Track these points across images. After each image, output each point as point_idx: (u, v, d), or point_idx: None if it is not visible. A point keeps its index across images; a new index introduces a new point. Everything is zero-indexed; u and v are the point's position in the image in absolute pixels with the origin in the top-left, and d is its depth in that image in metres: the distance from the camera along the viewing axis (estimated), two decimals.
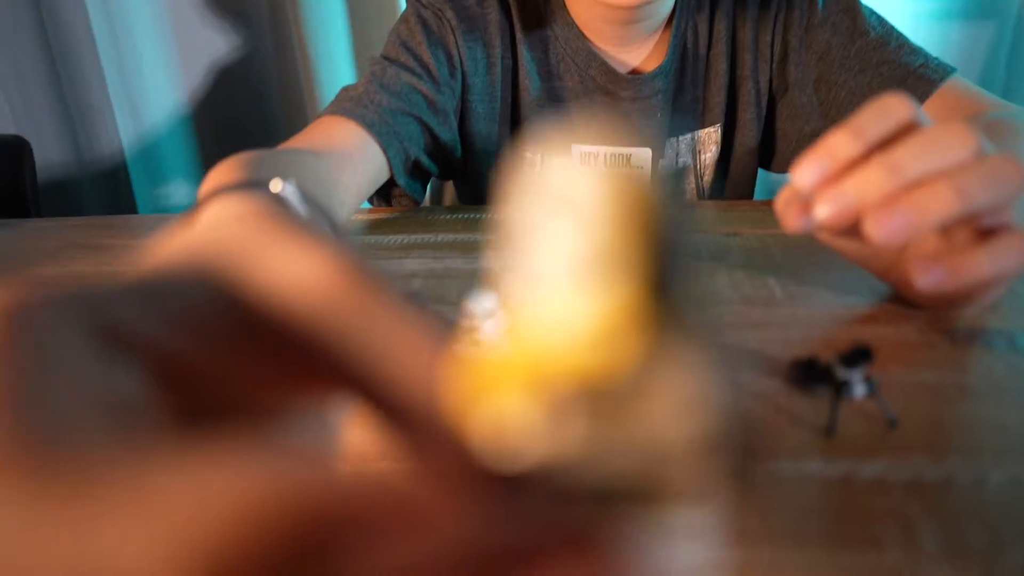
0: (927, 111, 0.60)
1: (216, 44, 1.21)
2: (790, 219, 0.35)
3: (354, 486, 0.08)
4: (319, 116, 0.62)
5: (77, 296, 0.11)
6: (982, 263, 0.34)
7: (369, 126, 0.59)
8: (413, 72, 0.65)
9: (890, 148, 0.33)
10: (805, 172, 0.34)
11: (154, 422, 0.11)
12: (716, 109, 0.72)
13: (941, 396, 0.34)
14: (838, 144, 0.34)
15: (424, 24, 0.67)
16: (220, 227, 0.14)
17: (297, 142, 0.57)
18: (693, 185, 0.76)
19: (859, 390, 0.31)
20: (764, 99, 0.72)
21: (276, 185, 0.26)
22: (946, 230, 0.37)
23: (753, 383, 0.36)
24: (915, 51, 0.64)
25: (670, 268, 0.08)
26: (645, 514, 0.09)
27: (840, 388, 0.31)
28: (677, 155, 0.73)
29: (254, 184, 0.27)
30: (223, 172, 0.40)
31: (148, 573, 0.08)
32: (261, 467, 0.09)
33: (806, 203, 0.34)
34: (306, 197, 0.26)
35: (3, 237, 0.68)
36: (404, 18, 0.69)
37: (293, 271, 0.13)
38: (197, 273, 0.13)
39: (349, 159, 0.57)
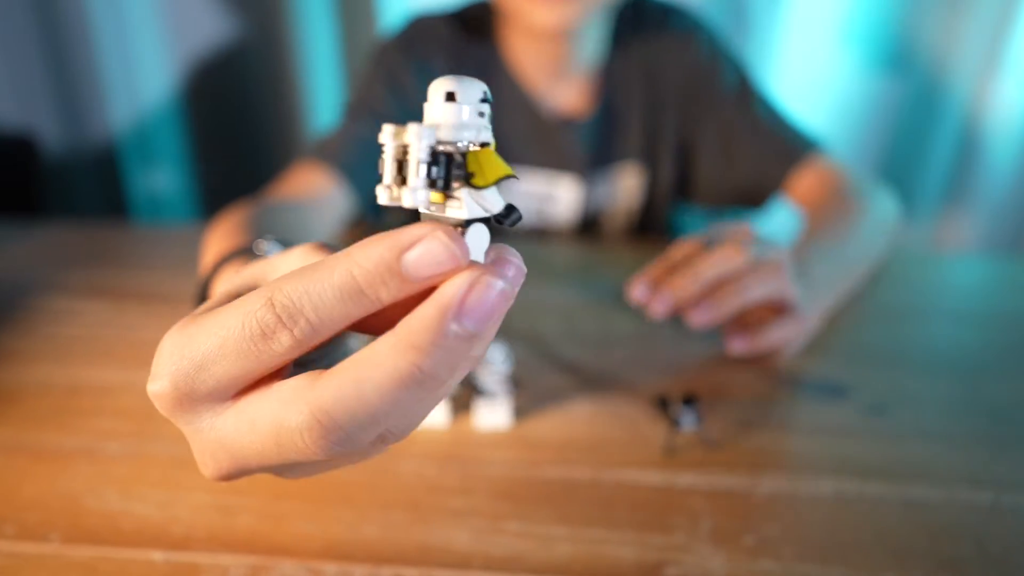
0: (797, 179, 0.77)
1: (207, 31, 1.30)
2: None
3: None
4: (298, 161, 0.74)
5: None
6: (768, 335, 0.51)
7: (341, 175, 0.71)
8: (377, 117, 0.78)
9: (693, 262, 0.50)
10: (635, 292, 0.49)
11: None
12: (636, 151, 0.86)
13: (750, 426, 0.49)
14: (655, 271, 0.51)
15: (388, 72, 0.81)
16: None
17: (280, 189, 0.69)
18: (615, 218, 0.90)
19: (688, 423, 0.46)
20: (680, 149, 0.86)
21: (260, 247, 0.41)
22: (759, 310, 0.53)
23: (625, 408, 0.50)
24: (791, 128, 0.80)
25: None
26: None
27: (674, 423, 0.46)
28: (600, 184, 0.87)
29: (245, 251, 0.41)
30: (225, 230, 0.51)
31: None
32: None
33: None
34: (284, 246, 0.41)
35: (20, 239, 0.79)
36: (371, 68, 0.82)
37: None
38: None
39: (323, 206, 0.68)
